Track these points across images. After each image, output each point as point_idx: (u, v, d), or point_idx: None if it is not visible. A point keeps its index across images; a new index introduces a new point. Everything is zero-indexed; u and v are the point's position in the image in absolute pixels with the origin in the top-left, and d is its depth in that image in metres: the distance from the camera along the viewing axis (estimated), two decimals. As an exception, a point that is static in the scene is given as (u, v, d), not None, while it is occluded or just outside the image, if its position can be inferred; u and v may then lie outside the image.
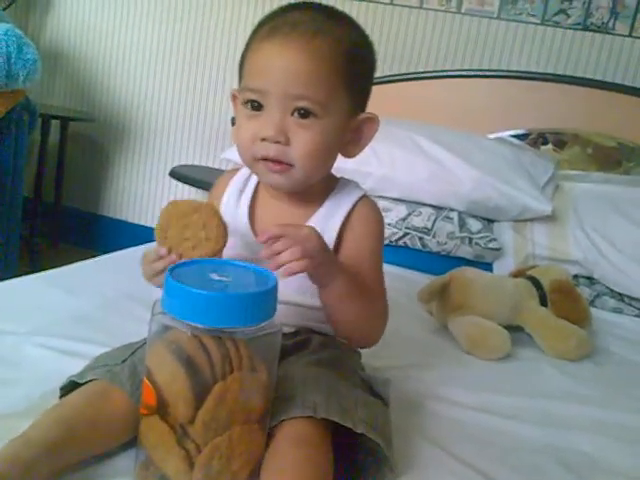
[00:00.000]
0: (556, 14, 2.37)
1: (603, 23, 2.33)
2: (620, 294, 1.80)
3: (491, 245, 1.89)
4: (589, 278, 1.84)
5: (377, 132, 0.94)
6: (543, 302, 1.46)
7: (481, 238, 1.90)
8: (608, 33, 2.33)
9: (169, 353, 0.66)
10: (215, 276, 0.70)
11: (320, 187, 0.94)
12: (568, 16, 2.36)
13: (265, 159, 0.86)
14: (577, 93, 2.26)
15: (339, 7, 0.93)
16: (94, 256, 1.63)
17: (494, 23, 2.44)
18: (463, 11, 2.47)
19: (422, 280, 1.54)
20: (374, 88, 0.96)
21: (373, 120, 0.92)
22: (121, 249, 1.65)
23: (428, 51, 2.52)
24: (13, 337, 1.05)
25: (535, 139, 2.32)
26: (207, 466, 0.66)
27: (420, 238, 1.92)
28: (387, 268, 0.99)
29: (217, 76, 2.83)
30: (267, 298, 0.69)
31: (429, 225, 1.93)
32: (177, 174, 2.58)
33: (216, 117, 2.86)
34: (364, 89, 0.93)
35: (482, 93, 2.37)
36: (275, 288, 0.70)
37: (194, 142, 2.92)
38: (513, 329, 1.39)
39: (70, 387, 0.80)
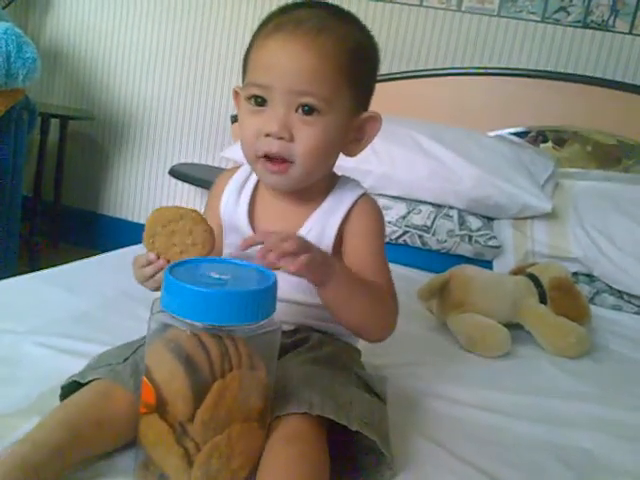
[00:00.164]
0: (556, 11, 2.37)
1: (603, 20, 2.33)
2: (619, 291, 1.80)
3: (491, 243, 1.89)
4: (589, 275, 1.85)
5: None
6: (543, 299, 1.46)
7: (481, 236, 1.90)
8: (608, 30, 2.33)
9: (168, 351, 0.67)
10: (214, 274, 0.70)
11: (321, 185, 0.94)
12: (568, 13, 2.36)
13: (267, 156, 0.86)
14: (577, 91, 2.26)
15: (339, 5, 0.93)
16: (94, 255, 1.63)
17: (494, 21, 2.44)
18: (463, 9, 2.46)
19: (422, 278, 1.54)
20: (373, 86, 0.96)
21: (376, 119, 0.92)
22: (121, 248, 1.65)
23: (428, 49, 2.52)
24: (12, 336, 1.05)
25: (535, 137, 2.31)
26: (206, 464, 0.66)
27: (420, 236, 1.92)
28: (387, 266, 0.99)
29: (216, 74, 2.83)
30: (266, 296, 0.69)
31: (429, 223, 1.93)
32: (176, 172, 2.58)
33: (215, 115, 2.86)
34: (367, 88, 0.93)
35: (482, 91, 2.37)
36: (274, 286, 0.70)
37: (193, 140, 2.92)
38: (513, 327, 1.39)
39: (71, 387, 0.80)
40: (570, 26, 2.36)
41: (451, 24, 2.48)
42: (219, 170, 2.50)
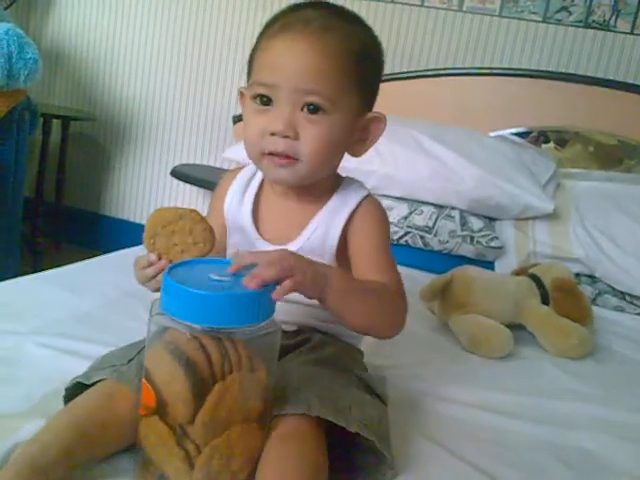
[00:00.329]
0: (558, 11, 2.37)
1: (605, 20, 2.32)
2: (622, 292, 1.79)
3: (493, 243, 1.89)
4: (591, 276, 1.84)
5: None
6: (545, 300, 1.46)
7: (483, 236, 1.90)
8: (610, 30, 2.32)
9: (168, 354, 0.67)
10: (214, 276, 0.70)
11: (325, 186, 0.94)
12: (570, 13, 2.36)
13: (272, 154, 0.86)
14: (578, 91, 2.26)
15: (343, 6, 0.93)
16: (95, 255, 1.63)
17: (495, 21, 2.43)
18: (464, 9, 2.46)
19: (424, 279, 1.54)
20: (376, 86, 0.96)
21: (380, 120, 0.92)
22: (122, 248, 1.65)
23: (429, 49, 2.52)
24: (14, 336, 1.05)
25: (536, 137, 2.31)
26: (207, 466, 0.66)
27: (422, 237, 1.92)
28: (389, 267, 0.99)
29: (218, 75, 2.83)
30: (265, 298, 0.68)
31: (431, 224, 1.93)
32: (178, 173, 2.58)
33: (217, 116, 2.86)
34: (372, 88, 0.93)
35: (483, 91, 2.37)
36: (273, 288, 0.70)
37: (195, 141, 2.92)
38: (515, 327, 1.39)
39: (75, 389, 0.80)
40: (571, 26, 2.36)
41: (452, 24, 2.48)
42: (221, 171, 2.50)
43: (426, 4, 2.50)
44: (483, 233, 1.91)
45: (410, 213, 1.95)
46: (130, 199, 3.07)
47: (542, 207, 1.91)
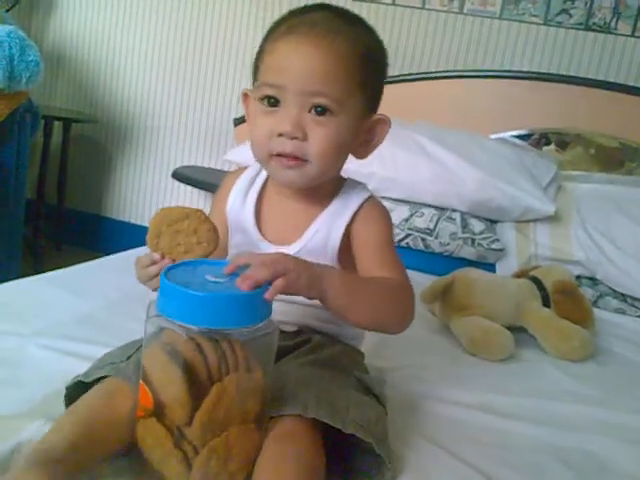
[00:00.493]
0: (558, 14, 2.37)
1: (605, 23, 2.33)
2: (623, 295, 1.79)
3: (494, 246, 1.89)
4: (592, 279, 1.84)
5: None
6: (546, 303, 1.46)
7: (484, 239, 1.90)
8: (610, 33, 2.33)
9: (165, 355, 0.67)
10: (210, 277, 0.70)
11: (328, 187, 0.94)
12: (570, 16, 2.36)
13: (281, 155, 0.86)
14: (579, 93, 2.26)
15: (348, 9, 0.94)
16: (97, 257, 1.63)
17: (496, 23, 2.44)
18: (465, 11, 2.47)
19: (425, 281, 1.54)
20: (377, 89, 0.96)
21: (385, 122, 0.93)
22: (124, 250, 1.65)
23: (430, 51, 2.52)
24: (16, 338, 1.05)
25: (538, 139, 2.32)
26: (205, 467, 0.66)
27: (423, 239, 1.92)
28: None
29: (219, 78, 2.83)
30: (262, 299, 0.68)
31: (431, 226, 1.93)
32: (180, 175, 2.59)
33: (219, 118, 2.86)
34: (377, 90, 0.93)
35: (484, 93, 2.37)
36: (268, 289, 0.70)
37: (197, 143, 2.92)
38: (516, 330, 1.39)
39: (75, 387, 0.81)
40: (572, 28, 2.36)
41: (453, 27, 2.48)
42: (222, 173, 2.50)
43: (427, 7, 2.51)
44: (484, 235, 1.91)
45: (411, 215, 1.95)
46: (131, 201, 3.08)
47: (543, 209, 1.91)
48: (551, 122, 2.31)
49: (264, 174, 0.99)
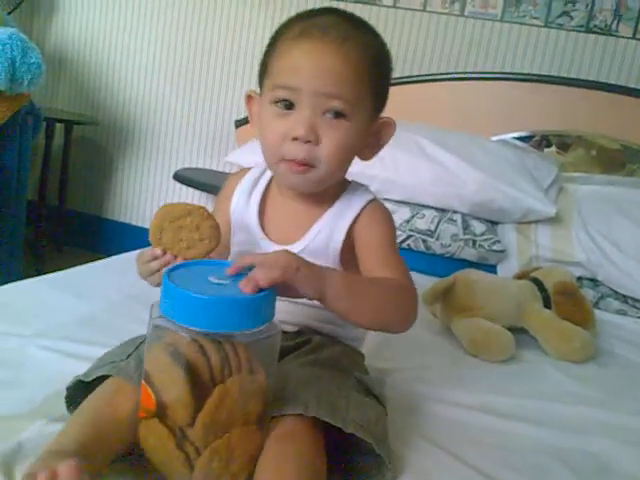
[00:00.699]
0: (559, 16, 2.37)
1: (606, 25, 2.33)
2: (624, 296, 1.80)
3: (495, 247, 1.89)
4: (593, 280, 1.84)
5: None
6: (547, 304, 1.46)
7: (485, 240, 1.90)
8: (611, 35, 2.33)
9: (168, 356, 0.67)
10: (213, 279, 0.70)
11: (332, 189, 0.94)
12: (571, 18, 2.36)
13: (291, 160, 0.86)
14: (580, 95, 2.26)
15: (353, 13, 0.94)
16: (98, 259, 1.63)
17: (497, 25, 2.44)
18: (466, 14, 2.47)
19: (426, 282, 1.54)
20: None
21: (390, 125, 0.94)
22: (125, 252, 1.65)
23: (431, 54, 2.53)
24: (18, 339, 1.05)
25: (539, 141, 2.32)
26: (207, 468, 0.66)
27: (424, 240, 1.92)
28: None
29: (221, 80, 2.83)
30: (265, 302, 0.68)
31: (433, 227, 1.93)
32: (181, 177, 2.59)
33: (220, 120, 2.86)
34: (384, 94, 0.94)
35: (485, 95, 2.37)
36: (274, 292, 0.70)
37: (198, 145, 2.92)
38: (517, 331, 1.39)
39: (76, 387, 0.81)
40: (573, 31, 2.36)
41: (454, 29, 2.49)
42: (223, 175, 2.51)
43: (428, 9, 2.51)
44: (485, 237, 1.91)
45: (412, 217, 1.95)
46: (133, 203, 3.08)
47: (544, 211, 1.91)
48: (552, 124, 2.31)
49: (268, 175, 0.99)
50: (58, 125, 2.77)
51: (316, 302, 0.90)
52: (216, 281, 0.70)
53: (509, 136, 2.32)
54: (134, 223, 3.07)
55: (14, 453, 0.73)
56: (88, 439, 0.69)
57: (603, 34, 2.34)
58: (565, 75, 2.35)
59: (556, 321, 1.41)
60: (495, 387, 1.16)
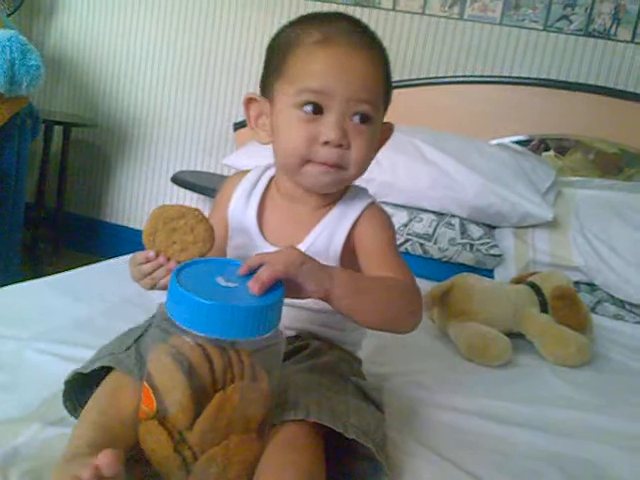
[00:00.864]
0: (558, 20, 2.37)
1: (605, 29, 2.33)
2: (621, 301, 1.80)
3: (492, 251, 1.89)
4: (590, 285, 1.84)
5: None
6: (544, 309, 1.46)
7: (482, 244, 1.90)
8: (610, 39, 2.33)
9: (170, 359, 0.66)
10: (222, 281, 0.69)
11: (334, 192, 0.95)
12: (570, 22, 2.36)
13: (324, 163, 0.86)
14: (579, 99, 2.27)
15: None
16: (96, 262, 1.63)
17: (496, 29, 2.44)
18: (466, 17, 2.47)
19: (423, 286, 1.52)
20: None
21: (391, 129, 0.96)
22: (123, 254, 1.65)
23: (430, 57, 2.53)
24: (15, 342, 1.05)
25: (537, 145, 2.32)
26: (203, 474, 0.66)
27: (421, 244, 1.93)
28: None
29: (219, 82, 2.84)
30: (272, 310, 0.68)
31: (430, 231, 1.93)
32: (179, 180, 2.59)
33: (218, 123, 2.86)
34: (390, 98, 0.96)
35: (484, 99, 2.37)
36: (281, 299, 0.69)
37: (196, 148, 2.93)
38: (514, 335, 1.39)
39: (73, 382, 0.81)
40: (572, 34, 2.37)
41: (453, 32, 2.49)
42: (221, 178, 2.51)
43: (427, 12, 2.51)
44: (483, 241, 1.91)
45: (410, 220, 1.95)
46: (131, 205, 3.08)
47: (542, 215, 1.91)
48: (550, 128, 2.31)
49: (266, 177, 0.99)
50: (57, 127, 2.78)
51: (314, 306, 0.90)
52: (224, 283, 0.69)
53: (507, 140, 2.32)
54: (132, 226, 3.07)
55: (10, 457, 0.73)
56: (100, 441, 0.69)
57: (602, 38, 2.34)
58: (564, 79, 2.35)
59: (553, 326, 1.41)
60: (492, 392, 1.16)
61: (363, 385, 0.89)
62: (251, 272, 0.71)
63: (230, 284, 0.69)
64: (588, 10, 2.34)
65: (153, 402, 0.67)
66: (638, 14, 2.30)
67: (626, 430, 1.07)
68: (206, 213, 1.04)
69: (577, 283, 1.80)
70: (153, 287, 0.81)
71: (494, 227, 2.00)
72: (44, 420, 0.82)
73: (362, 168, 0.90)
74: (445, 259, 1.92)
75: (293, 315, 0.93)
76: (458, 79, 2.42)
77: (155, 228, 0.79)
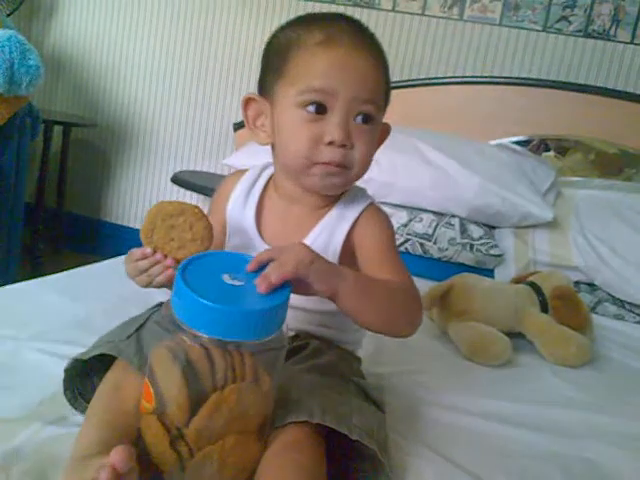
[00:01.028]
0: (558, 21, 2.38)
1: (605, 30, 2.33)
2: (621, 301, 1.80)
3: (492, 251, 1.89)
4: (590, 284, 1.85)
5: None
6: (544, 308, 1.46)
7: (482, 244, 1.90)
8: (610, 40, 2.33)
9: (171, 356, 0.66)
10: (228, 279, 0.68)
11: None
12: (570, 23, 2.36)
13: (327, 163, 0.86)
14: (579, 100, 2.27)
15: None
16: (96, 261, 1.63)
17: (496, 30, 2.44)
18: (465, 18, 2.47)
19: (423, 286, 1.53)
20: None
21: (388, 131, 0.96)
22: (123, 254, 1.64)
23: (430, 58, 2.53)
24: (14, 342, 1.05)
25: (537, 145, 2.32)
26: (198, 472, 0.66)
27: (421, 244, 1.93)
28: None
29: (219, 83, 2.83)
30: (277, 312, 0.67)
31: (430, 231, 1.93)
32: (179, 180, 2.59)
33: (218, 123, 2.86)
34: (389, 98, 0.95)
35: (484, 99, 2.37)
36: (286, 300, 0.68)
37: (196, 148, 2.93)
38: (514, 335, 1.39)
39: (74, 370, 0.82)
40: (572, 35, 2.37)
41: (453, 33, 2.49)
42: (221, 177, 2.50)
43: (427, 13, 2.51)
44: (483, 241, 1.91)
45: (410, 220, 1.95)
46: (131, 205, 3.08)
47: (542, 215, 1.91)
48: (550, 128, 2.31)
49: (265, 177, 0.99)
50: (56, 127, 2.77)
51: (312, 307, 0.90)
52: (230, 281, 0.68)
53: (507, 140, 2.32)
54: (132, 226, 3.06)
55: (11, 456, 0.73)
56: (109, 439, 0.69)
57: (601, 39, 2.34)
58: (563, 80, 2.36)
59: (553, 326, 1.41)
60: (492, 391, 1.16)
61: (364, 385, 0.89)
62: (260, 268, 0.70)
63: (236, 282, 0.68)
64: (587, 11, 2.34)
65: (152, 398, 0.67)
66: (637, 15, 2.30)
67: (626, 430, 1.07)
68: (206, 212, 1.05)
69: (577, 283, 1.80)
70: (149, 285, 0.80)
71: (494, 227, 2.00)
72: (44, 419, 0.81)
73: (364, 168, 0.90)
74: (445, 259, 1.92)
75: (291, 315, 0.92)
76: (458, 80, 2.42)
77: (153, 224, 0.78)
